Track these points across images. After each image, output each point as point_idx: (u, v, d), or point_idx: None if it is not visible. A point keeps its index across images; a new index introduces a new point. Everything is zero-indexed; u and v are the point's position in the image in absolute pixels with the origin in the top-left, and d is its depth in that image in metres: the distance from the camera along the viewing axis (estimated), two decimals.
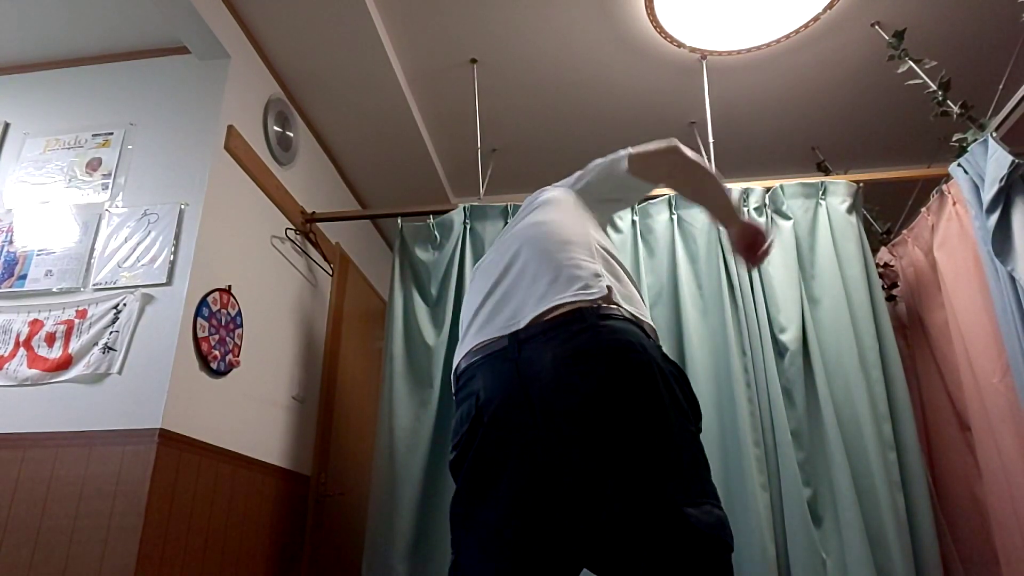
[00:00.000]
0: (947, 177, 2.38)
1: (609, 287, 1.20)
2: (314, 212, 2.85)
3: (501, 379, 1.16)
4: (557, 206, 1.41)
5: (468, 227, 2.56)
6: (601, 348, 1.11)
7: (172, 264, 2.07)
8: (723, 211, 1.53)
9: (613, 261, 1.32)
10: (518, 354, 1.15)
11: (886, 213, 3.00)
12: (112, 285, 2.07)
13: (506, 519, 1.11)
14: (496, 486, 1.12)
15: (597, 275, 1.21)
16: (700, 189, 1.50)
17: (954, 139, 2.34)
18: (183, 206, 2.15)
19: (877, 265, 2.61)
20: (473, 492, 1.16)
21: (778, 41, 2.70)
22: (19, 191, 2.31)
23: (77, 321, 2.04)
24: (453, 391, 1.30)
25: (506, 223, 2.53)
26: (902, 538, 2.00)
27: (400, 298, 2.50)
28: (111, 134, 2.33)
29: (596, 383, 1.09)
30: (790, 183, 2.49)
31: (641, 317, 1.21)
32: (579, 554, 1.11)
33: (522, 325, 1.17)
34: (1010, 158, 2.01)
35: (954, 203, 2.39)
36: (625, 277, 1.31)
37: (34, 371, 1.99)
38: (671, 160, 1.43)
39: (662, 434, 1.08)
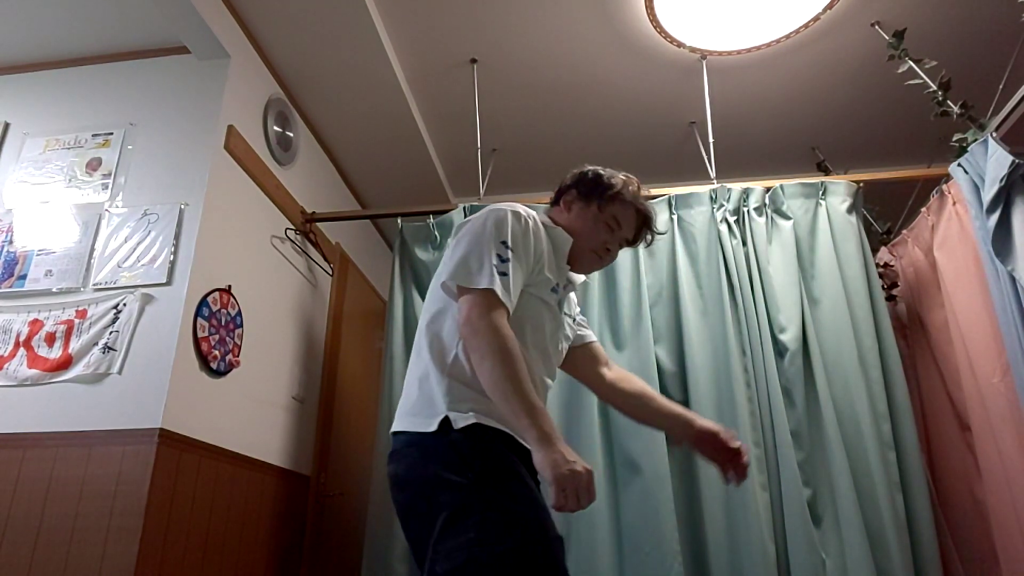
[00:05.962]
0: (947, 177, 2.38)
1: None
2: (314, 212, 2.84)
3: None
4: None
5: None
6: None
7: (172, 264, 2.07)
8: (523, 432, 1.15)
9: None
10: None
11: (886, 213, 3.00)
12: (112, 285, 2.07)
13: None
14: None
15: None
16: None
17: (954, 139, 2.34)
18: (183, 206, 2.15)
19: (877, 265, 2.61)
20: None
21: (778, 41, 2.69)
22: (19, 191, 2.31)
23: (77, 321, 2.04)
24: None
25: None
26: (901, 538, 2.00)
27: (400, 298, 2.50)
28: (111, 134, 2.33)
29: None
30: (790, 183, 2.49)
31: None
32: None
33: None
34: (1010, 158, 2.00)
35: (954, 203, 2.39)
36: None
37: (34, 371, 1.99)
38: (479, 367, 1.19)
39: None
